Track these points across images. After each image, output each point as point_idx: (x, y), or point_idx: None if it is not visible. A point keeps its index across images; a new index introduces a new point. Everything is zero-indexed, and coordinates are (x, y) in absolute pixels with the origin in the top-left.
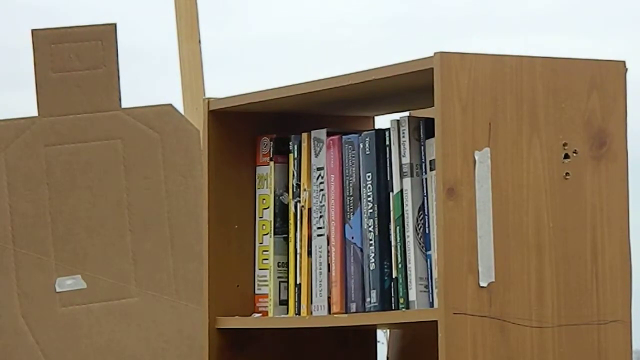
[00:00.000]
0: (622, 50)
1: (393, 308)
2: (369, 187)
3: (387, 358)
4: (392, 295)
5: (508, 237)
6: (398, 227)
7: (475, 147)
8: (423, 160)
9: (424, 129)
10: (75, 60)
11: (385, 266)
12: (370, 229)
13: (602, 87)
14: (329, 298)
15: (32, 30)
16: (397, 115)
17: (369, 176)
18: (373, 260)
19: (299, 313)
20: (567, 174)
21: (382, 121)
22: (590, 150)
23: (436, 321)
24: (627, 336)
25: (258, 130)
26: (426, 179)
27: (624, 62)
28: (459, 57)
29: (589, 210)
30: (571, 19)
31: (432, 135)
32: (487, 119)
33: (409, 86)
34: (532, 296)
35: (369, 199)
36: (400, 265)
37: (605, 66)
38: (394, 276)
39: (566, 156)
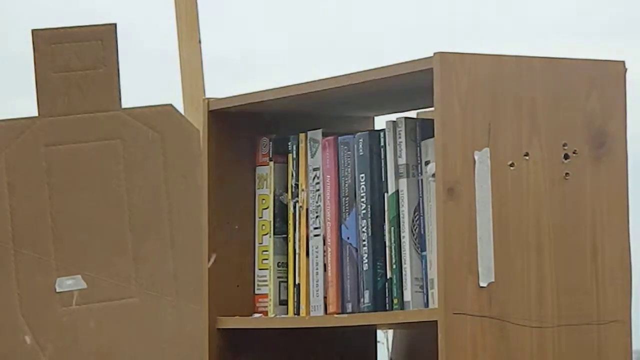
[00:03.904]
0: (622, 50)
1: (387, 308)
2: (363, 188)
3: (390, 359)
4: (386, 295)
5: (508, 238)
6: (393, 228)
7: (475, 147)
8: (419, 161)
9: (420, 130)
10: (75, 60)
11: (379, 267)
12: (364, 229)
13: (602, 87)
14: (325, 298)
15: (32, 30)
16: (396, 116)
17: (362, 177)
18: (366, 260)
19: (298, 313)
20: (567, 174)
21: (382, 122)
22: (590, 151)
23: (436, 321)
24: (627, 336)
25: (258, 130)
26: (422, 179)
27: (623, 62)
28: (459, 57)
29: (588, 211)
30: (569, 19)
31: (429, 136)
32: (487, 119)
33: (409, 86)
34: (532, 296)
35: (363, 199)
36: (394, 266)
37: (604, 66)
38: (388, 277)
39: (566, 156)
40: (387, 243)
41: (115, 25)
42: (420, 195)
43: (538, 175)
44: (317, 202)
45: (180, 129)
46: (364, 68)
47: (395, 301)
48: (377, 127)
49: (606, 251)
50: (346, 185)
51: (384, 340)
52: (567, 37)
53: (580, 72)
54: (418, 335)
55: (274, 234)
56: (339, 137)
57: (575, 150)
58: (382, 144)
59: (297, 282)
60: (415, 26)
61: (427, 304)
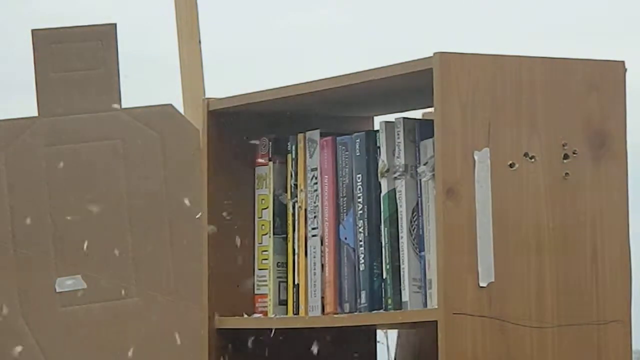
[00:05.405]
0: (621, 50)
1: (383, 309)
2: (360, 189)
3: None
4: (383, 296)
5: (508, 238)
6: (386, 228)
7: (475, 147)
8: (418, 162)
9: (418, 130)
10: (75, 60)
11: (375, 267)
12: (361, 229)
13: (602, 87)
14: (322, 298)
15: (32, 30)
16: (396, 116)
17: (359, 177)
18: (363, 260)
19: (297, 313)
20: (566, 174)
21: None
22: (589, 151)
23: (436, 321)
24: (627, 336)
25: (257, 130)
26: (421, 179)
27: (623, 62)
28: (459, 57)
29: (588, 211)
30: (569, 19)
31: (427, 137)
32: (487, 119)
33: (409, 86)
34: (532, 296)
35: (360, 200)
36: (388, 266)
37: (604, 66)
38: (383, 277)
39: (566, 156)
40: (383, 243)
41: (115, 25)
42: (419, 195)
43: (538, 175)
44: (315, 203)
45: (180, 129)
46: (363, 68)
47: (389, 301)
48: (377, 128)
49: (606, 251)
50: (344, 185)
51: (384, 340)
52: (567, 37)
53: (580, 72)
54: (424, 336)
55: (274, 234)
56: (337, 138)
57: (575, 151)
58: (378, 144)
59: (296, 282)
60: (415, 26)
61: (425, 304)
